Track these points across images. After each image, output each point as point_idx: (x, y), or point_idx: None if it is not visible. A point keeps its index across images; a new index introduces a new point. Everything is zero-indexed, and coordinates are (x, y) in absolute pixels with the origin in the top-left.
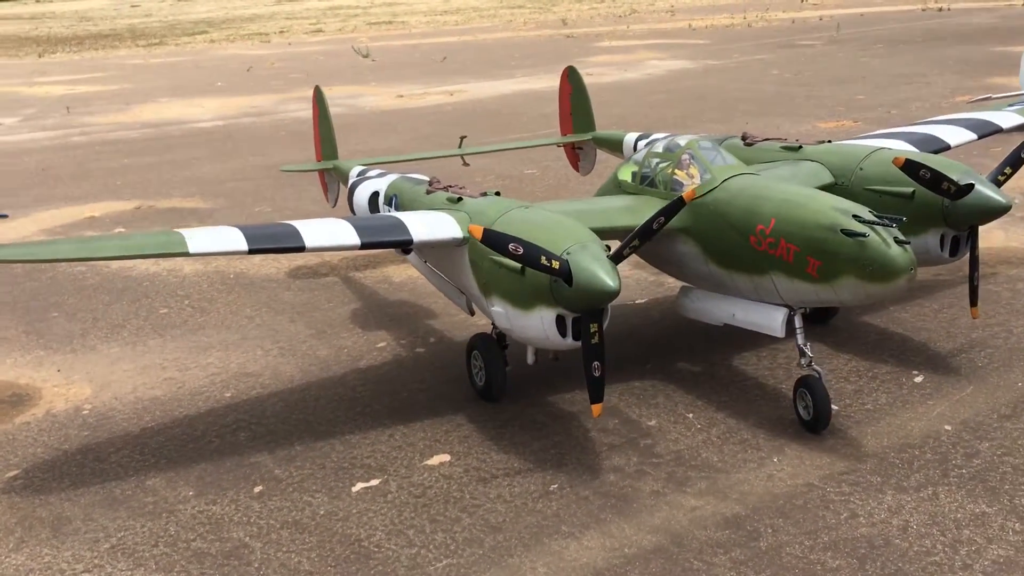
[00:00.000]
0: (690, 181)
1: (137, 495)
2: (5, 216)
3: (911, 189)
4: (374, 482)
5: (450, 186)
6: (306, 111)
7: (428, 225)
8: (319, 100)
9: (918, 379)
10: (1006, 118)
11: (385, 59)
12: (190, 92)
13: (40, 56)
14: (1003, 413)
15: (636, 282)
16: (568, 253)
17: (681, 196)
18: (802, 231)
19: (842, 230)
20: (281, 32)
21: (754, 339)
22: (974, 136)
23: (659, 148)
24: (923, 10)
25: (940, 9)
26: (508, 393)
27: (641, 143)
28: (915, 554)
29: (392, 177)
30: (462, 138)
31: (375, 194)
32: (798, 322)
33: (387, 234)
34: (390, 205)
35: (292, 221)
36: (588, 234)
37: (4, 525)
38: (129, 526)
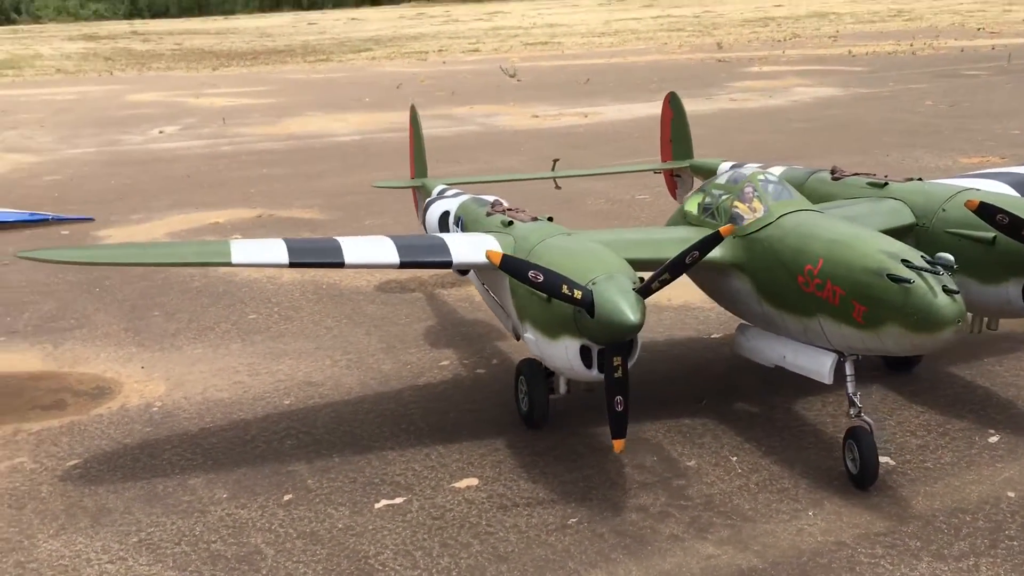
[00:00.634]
0: (751, 214)
1: (176, 493)
2: (91, 220)
3: (992, 234)
4: (398, 500)
5: (508, 209)
6: (441, 128)
7: (470, 248)
8: (414, 120)
9: (993, 439)
10: None
11: (531, 79)
12: (338, 107)
13: (214, 70)
14: None
15: (716, 316)
16: (594, 283)
17: (718, 231)
18: (849, 274)
19: (888, 275)
20: (439, 51)
21: (822, 383)
22: None
23: (723, 180)
24: None
25: None
26: (552, 421)
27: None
28: None
29: (464, 198)
30: (555, 161)
31: (445, 214)
32: (848, 369)
33: (427, 254)
34: (457, 225)
35: (339, 237)
36: (620, 265)
37: (51, 511)
38: (160, 523)
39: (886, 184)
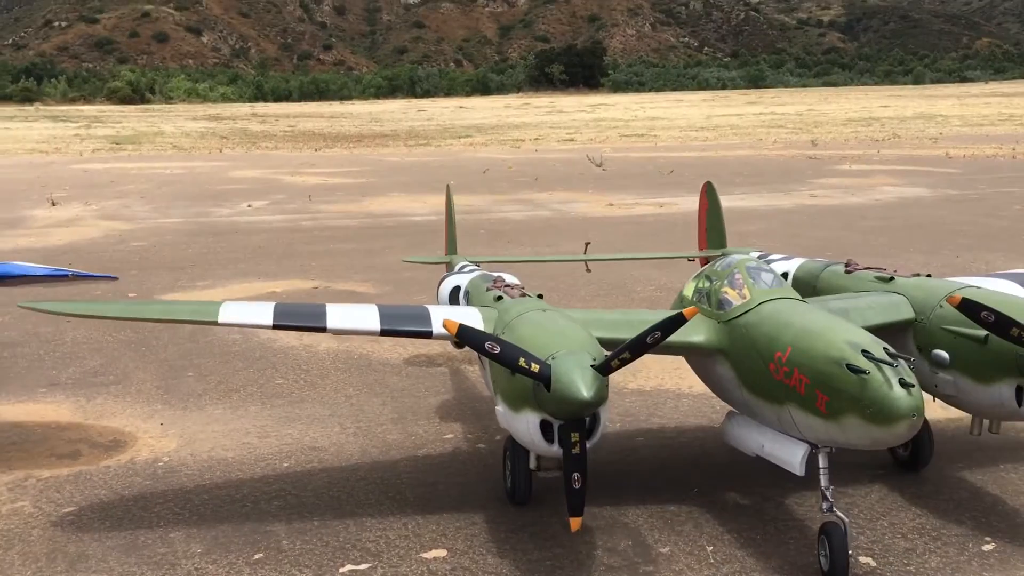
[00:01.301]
0: (740, 300)
1: (155, 544)
2: (115, 279)
3: (984, 333)
4: (364, 566)
5: (505, 286)
6: (515, 211)
7: (451, 319)
8: (448, 198)
9: (987, 547)
10: None
11: (616, 169)
12: (422, 189)
13: (316, 150)
14: None
15: None
16: (553, 358)
17: (681, 312)
18: (812, 363)
19: (847, 364)
20: (535, 139)
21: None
22: None
23: (718, 266)
24: None
25: None
26: (540, 499)
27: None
28: None
29: (475, 275)
30: (587, 244)
31: (456, 288)
32: (822, 461)
33: (409, 323)
34: (465, 299)
35: (329, 303)
36: (585, 342)
37: (34, 553)
38: (131, 572)
39: (892, 279)
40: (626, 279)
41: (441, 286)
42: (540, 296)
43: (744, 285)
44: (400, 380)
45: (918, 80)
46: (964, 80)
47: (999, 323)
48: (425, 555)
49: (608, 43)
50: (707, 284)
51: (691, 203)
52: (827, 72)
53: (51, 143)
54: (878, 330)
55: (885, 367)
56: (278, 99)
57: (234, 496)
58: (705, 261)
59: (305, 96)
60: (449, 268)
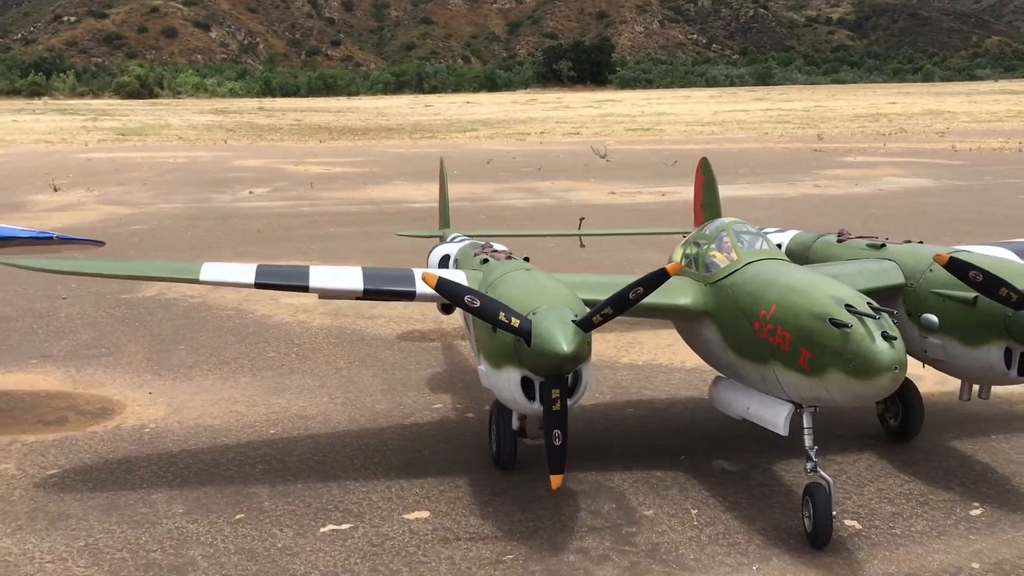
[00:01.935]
0: (727, 262)
1: (136, 505)
2: (101, 244)
3: (973, 295)
4: (345, 526)
5: (492, 251)
6: (517, 199)
7: (430, 272)
8: (441, 172)
9: (975, 511)
10: None
11: (620, 160)
12: (425, 178)
13: (320, 142)
14: None
15: None
16: (534, 313)
17: (664, 268)
18: (796, 319)
19: (831, 319)
20: (541, 133)
21: (816, 443)
22: None
23: (707, 230)
24: None
25: None
26: (525, 464)
27: None
28: None
29: (465, 243)
30: (581, 220)
31: (446, 256)
32: (806, 421)
33: (392, 283)
34: (454, 266)
35: (312, 265)
36: (566, 299)
37: (14, 512)
38: (111, 530)
39: (883, 246)
40: (623, 261)
41: (431, 255)
42: (527, 259)
43: (731, 247)
44: (392, 354)
45: (927, 78)
46: (973, 78)
47: (987, 283)
48: (407, 516)
49: (616, 40)
50: (695, 249)
51: (690, 192)
52: (836, 70)
53: (57, 134)
54: (867, 294)
55: (868, 320)
56: (286, 94)
57: (219, 460)
58: None
59: (313, 92)
60: (442, 241)
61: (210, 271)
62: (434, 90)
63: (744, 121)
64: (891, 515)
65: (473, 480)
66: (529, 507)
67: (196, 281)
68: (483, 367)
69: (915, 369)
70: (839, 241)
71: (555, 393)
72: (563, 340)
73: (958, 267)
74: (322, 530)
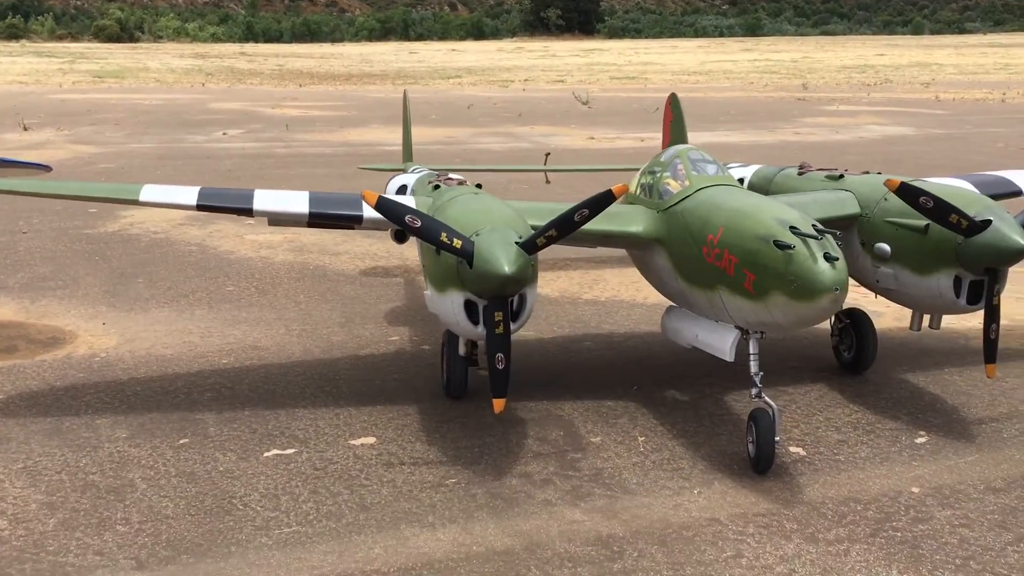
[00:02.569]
0: (680, 189)
1: (79, 430)
2: (48, 168)
3: (925, 222)
4: (289, 451)
5: (446, 179)
6: (495, 143)
7: (371, 192)
8: (405, 105)
9: (920, 439)
10: None
11: (602, 107)
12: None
13: (300, 86)
14: (993, 486)
15: None
16: (477, 234)
17: (610, 190)
18: (741, 241)
19: (774, 241)
20: (525, 80)
21: (769, 375)
22: None
23: (662, 157)
24: None
25: None
26: (475, 392)
27: None
28: None
29: (423, 173)
30: (546, 155)
31: (403, 187)
32: (752, 347)
33: (338, 207)
34: (412, 195)
35: (261, 189)
36: (511, 220)
37: None
38: (51, 454)
39: (842, 176)
40: (544, 187)
41: (389, 184)
42: (479, 186)
43: (685, 175)
44: (353, 289)
45: (917, 31)
46: (963, 31)
47: (938, 209)
48: (353, 442)
49: None
50: (650, 177)
51: None
52: (825, 21)
53: (32, 76)
54: (822, 224)
55: (811, 241)
56: (269, 40)
57: (167, 388)
58: None
59: (296, 38)
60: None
61: (150, 192)
62: (420, 38)
63: (731, 71)
64: (836, 443)
65: (422, 408)
66: (476, 434)
67: (136, 202)
68: (428, 291)
69: (874, 305)
70: (800, 174)
71: (498, 316)
72: (505, 261)
73: (908, 192)
74: (266, 454)
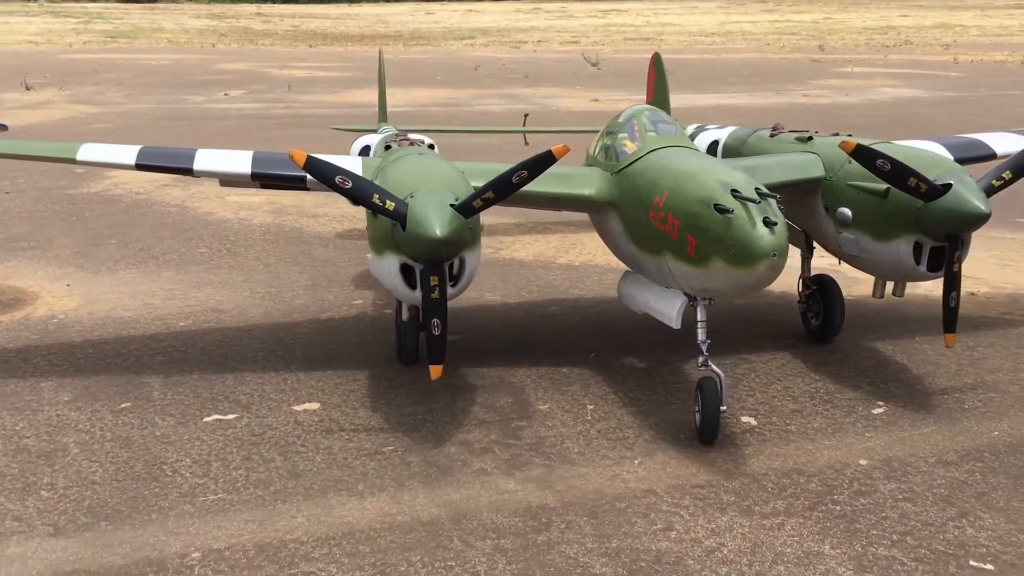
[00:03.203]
0: (634, 150)
1: (22, 392)
2: (3, 127)
3: (885, 186)
4: (230, 416)
5: (405, 140)
6: (496, 104)
7: (299, 152)
8: (380, 66)
9: (877, 410)
10: None
11: (613, 69)
12: (406, 83)
13: (310, 46)
14: (945, 459)
15: None
16: (412, 196)
17: (550, 150)
18: (684, 205)
19: (715, 204)
20: (539, 42)
21: (732, 343)
22: None
23: (621, 118)
24: None
25: None
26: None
27: (699, 134)
28: None
29: (388, 133)
30: (525, 116)
31: (367, 148)
32: (700, 315)
33: (281, 167)
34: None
35: (201, 149)
36: (450, 182)
37: None
38: None
39: (811, 139)
40: (571, 160)
41: (354, 144)
42: (432, 146)
43: (640, 136)
44: (326, 251)
45: None
46: None
47: (895, 172)
48: (296, 407)
49: None
50: (609, 139)
51: (680, 100)
52: None
53: (45, 35)
54: (785, 187)
55: (751, 206)
56: (287, 0)
57: (119, 351)
58: None
59: None
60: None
61: (88, 151)
62: None
63: (749, 32)
64: (791, 412)
65: (373, 374)
66: (422, 401)
67: (73, 161)
68: (369, 254)
69: (852, 272)
70: (772, 136)
71: (433, 280)
72: (437, 223)
73: (865, 155)
74: (206, 419)
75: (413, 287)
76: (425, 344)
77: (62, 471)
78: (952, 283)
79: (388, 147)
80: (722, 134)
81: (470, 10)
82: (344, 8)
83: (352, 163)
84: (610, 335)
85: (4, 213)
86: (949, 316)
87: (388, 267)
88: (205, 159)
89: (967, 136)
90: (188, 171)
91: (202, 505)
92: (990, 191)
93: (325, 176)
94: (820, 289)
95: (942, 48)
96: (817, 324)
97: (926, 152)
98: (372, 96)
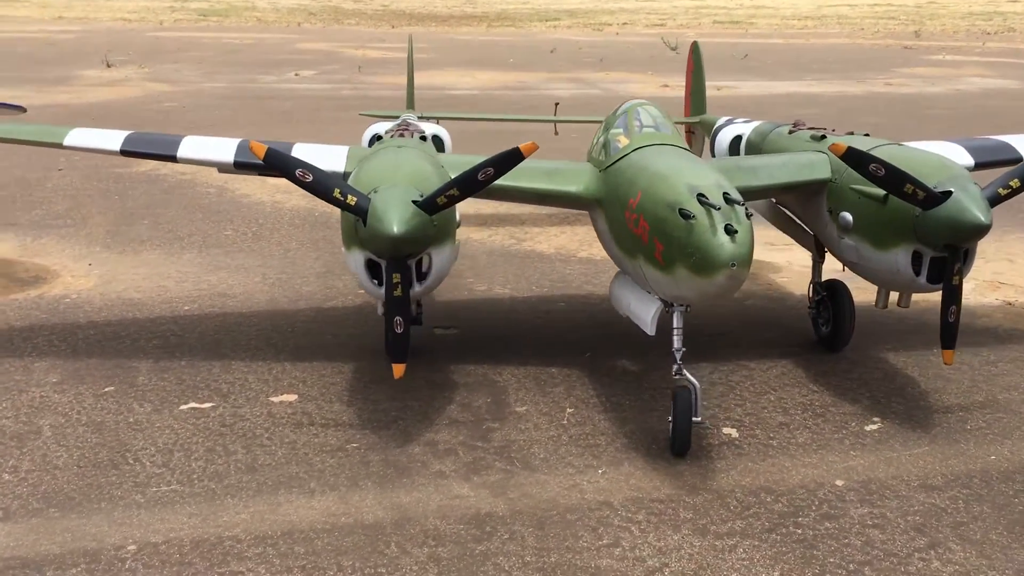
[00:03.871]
0: (622, 147)
1: (13, 372)
2: (22, 110)
3: (884, 192)
4: (207, 405)
5: (401, 130)
6: (563, 90)
7: (313, 155)
8: (409, 53)
9: (871, 427)
10: None
11: None
12: (478, 65)
13: (392, 27)
14: (929, 483)
15: None
16: (375, 191)
17: (518, 147)
18: (654, 208)
19: (680, 209)
20: (623, 24)
21: (736, 347)
22: None
23: (617, 112)
24: None
25: None
26: (425, 356)
27: (725, 128)
28: None
29: (398, 122)
30: (556, 104)
31: (376, 136)
32: (676, 321)
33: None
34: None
35: (188, 136)
36: (421, 178)
37: None
38: None
39: (824, 138)
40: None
41: (365, 134)
42: (423, 138)
43: (629, 132)
44: None
45: None
46: None
47: (890, 177)
48: (273, 399)
49: None
50: (605, 134)
51: (752, 87)
52: None
53: (139, 14)
54: (789, 189)
55: (714, 212)
56: None
57: (118, 334)
58: (688, 129)
59: None
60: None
61: (76, 136)
62: None
63: (845, 16)
64: (777, 425)
65: (358, 367)
66: (399, 397)
67: (60, 146)
68: (343, 248)
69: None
70: (791, 132)
71: (395, 278)
72: (395, 220)
73: (856, 159)
74: (181, 407)
75: (380, 283)
76: (386, 342)
77: (29, 455)
78: (952, 297)
79: (379, 137)
80: (747, 129)
81: None
82: None
83: (335, 152)
84: (611, 335)
85: (52, 191)
86: (947, 332)
87: (355, 262)
88: (189, 147)
89: (994, 138)
90: (172, 158)
91: (152, 496)
92: (994, 200)
93: (285, 169)
94: (831, 295)
95: None
96: (827, 331)
97: (932, 156)
98: (440, 78)
